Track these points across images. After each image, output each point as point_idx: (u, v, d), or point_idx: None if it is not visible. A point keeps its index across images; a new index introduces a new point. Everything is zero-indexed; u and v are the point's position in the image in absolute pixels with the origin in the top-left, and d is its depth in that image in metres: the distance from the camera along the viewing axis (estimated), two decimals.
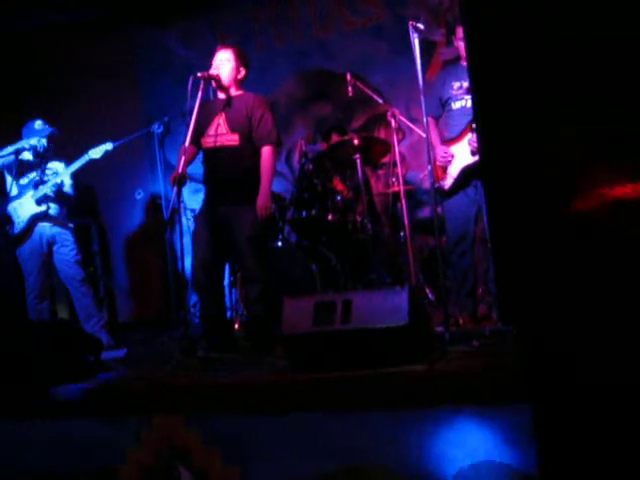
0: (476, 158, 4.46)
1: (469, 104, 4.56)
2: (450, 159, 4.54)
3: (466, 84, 4.59)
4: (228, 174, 4.54)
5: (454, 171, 4.56)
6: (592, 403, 2.20)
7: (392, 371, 3.31)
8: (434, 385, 3.18)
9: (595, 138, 2.18)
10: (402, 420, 3.13)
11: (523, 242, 2.34)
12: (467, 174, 4.53)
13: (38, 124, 5.64)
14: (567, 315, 2.20)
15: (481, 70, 2.37)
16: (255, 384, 3.58)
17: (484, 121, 2.43)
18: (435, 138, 4.73)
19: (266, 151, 4.54)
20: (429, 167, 4.05)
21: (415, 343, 3.47)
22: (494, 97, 2.35)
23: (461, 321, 4.48)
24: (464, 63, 4.62)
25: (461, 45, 4.60)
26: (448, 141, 4.64)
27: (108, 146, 5.50)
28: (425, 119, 4.69)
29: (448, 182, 4.59)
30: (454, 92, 4.64)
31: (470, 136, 4.50)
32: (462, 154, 4.55)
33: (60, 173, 5.54)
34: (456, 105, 4.65)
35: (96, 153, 5.48)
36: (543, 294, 2.24)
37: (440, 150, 4.64)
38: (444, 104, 4.71)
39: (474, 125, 4.44)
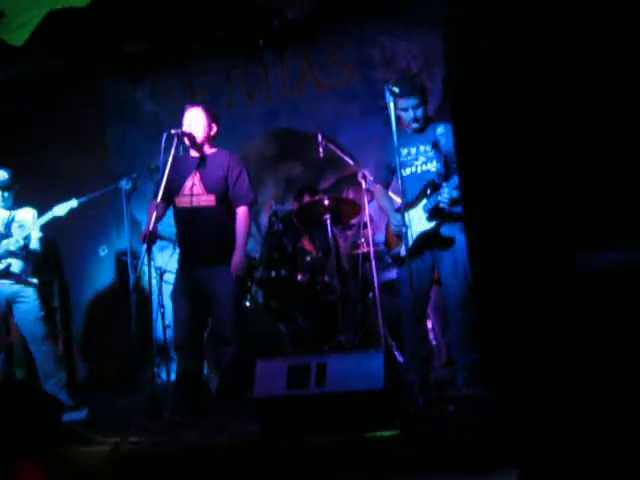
0: (432, 224, 4.47)
1: (419, 169, 4.59)
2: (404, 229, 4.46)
3: (414, 150, 4.62)
4: (205, 235, 4.51)
5: (409, 238, 4.54)
6: (583, 468, 2.15)
7: (367, 436, 3.25)
8: (411, 451, 3.11)
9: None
10: None
11: (511, 308, 2.32)
12: (423, 240, 4.52)
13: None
14: (558, 379, 2.16)
15: (466, 152, 2.38)
16: (224, 448, 3.48)
17: (468, 197, 2.42)
18: (388, 205, 4.73)
19: (242, 211, 4.55)
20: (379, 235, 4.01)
21: (390, 408, 3.42)
22: (479, 174, 2.36)
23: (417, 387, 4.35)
24: (410, 131, 4.64)
25: (402, 115, 4.61)
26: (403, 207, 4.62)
27: (73, 203, 5.39)
28: (379, 187, 4.76)
29: (403, 249, 4.56)
30: (403, 159, 4.65)
31: (425, 202, 4.50)
32: (418, 220, 4.53)
33: (26, 226, 5.39)
34: (406, 172, 4.64)
35: (61, 210, 5.37)
36: (532, 358, 2.20)
37: (393, 219, 4.63)
38: (393, 170, 4.71)
39: (428, 191, 4.46)
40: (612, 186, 2.14)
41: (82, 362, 7.25)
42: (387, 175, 4.78)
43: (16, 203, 5.55)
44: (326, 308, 5.74)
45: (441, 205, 4.39)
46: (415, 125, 4.59)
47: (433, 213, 4.44)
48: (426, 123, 4.60)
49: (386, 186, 4.84)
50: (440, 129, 4.51)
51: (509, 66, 2.28)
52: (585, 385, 2.17)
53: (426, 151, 4.57)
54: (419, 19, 6.54)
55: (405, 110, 4.57)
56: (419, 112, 4.55)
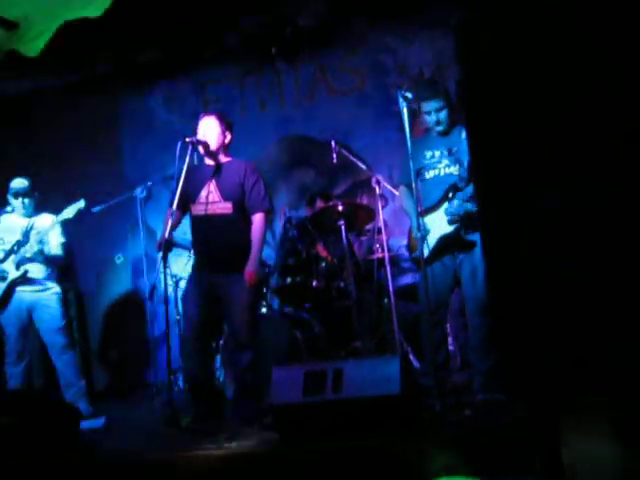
0: (453, 228, 4.46)
1: (442, 172, 4.59)
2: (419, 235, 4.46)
3: (438, 153, 4.63)
4: (221, 243, 4.51)
5: (431, 241, 4.53)
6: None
7: (384, 442, 3.24)
8: (428, 456, 3.10)
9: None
10: None
11: (525, 314, 2.32)
12: (444, 243, 4.51)
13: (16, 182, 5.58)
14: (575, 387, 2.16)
15: (482, 153, 2.39)
16: (242, 455, 3.48)
17: (484, 197, 2.43)
18: (411, 207, 4.72)
19: (258, 218, 4.56)
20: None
21: (407, 413, 3.41)
22: (494, 176, 2.36)
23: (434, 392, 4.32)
24: (435, 134, 4.67)
25: (426, 118, 4.64)
26: (424, 210, 4.61)
27: (80, 204, 5.40)
28: (403, 188, 4.75)
29: (425, 252, 4.55)
30: (427, 161, 4.66)
31: (447, 205, 4.49)
32: (439, 223, 4.53)
33: (43, 232, 5.42)
34: (429, 174, 4.65)
35: (69, 212, 5.40)
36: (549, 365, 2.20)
37: (415, 222, 4.62)
38: (418, 173, 4.71)
39: (450, 194, 4.46)
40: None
41: (99, 370, 7.28)
42: (414, 175, 4.75)
43: (36, 210, 5.60)
44: (342, 314, 5.73)
45: (457, 212, 4.39)
46: (438, 128, 4.60)
47: (455, 218, 4.43)
48: (452, 126, 4.60)
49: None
50: (465, 133, 4.49)
51: (519, 68, 2.28)
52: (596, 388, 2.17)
53: (450, 154, 4.56)
54: (430, 24, 6.54)
55: (428, 113, 4.58)
56: (442, 115, 4.55)
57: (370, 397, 3.36)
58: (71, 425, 4.16)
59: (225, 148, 4.67)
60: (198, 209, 4.57)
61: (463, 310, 4.69)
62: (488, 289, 3.61)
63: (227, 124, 4.69)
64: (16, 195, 5.51)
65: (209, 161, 4.66)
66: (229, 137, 4.67)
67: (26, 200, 5.53)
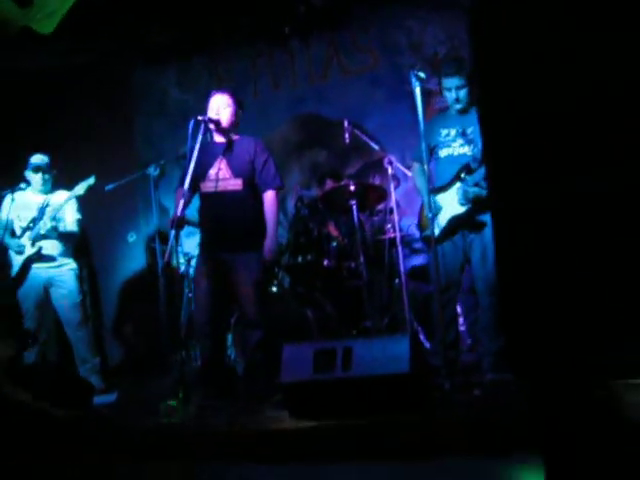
0: (464, 209, 4.46)
1: (456, 152, 4.59)
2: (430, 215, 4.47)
3: (454, 131, 4.62)
4: (231, 220, 4.53)
5: (442, 220, 4.54)
6: (607, 454, 2.16)
7: (393, 420, 3.26)
8: (437, 435, 3.12)
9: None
10: (404, 471, 3.07)
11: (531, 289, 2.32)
12: (455, 223, 4.52)
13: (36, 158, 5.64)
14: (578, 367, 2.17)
15: (493, 137, 2.38)
16: (253, 432, 3.52)
17: (495, 180, 2.43)
18: (424, 185, 4.71)
19: (269, 196, 4.58)
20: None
21: (416, 391, 3.43)
22: (506, 159, 2.36)
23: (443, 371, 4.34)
24: (454, 112, 4.67)
25: (446, 95, 4.64)
26: (436, 189, 4.62)
27: (91, 181, 5.46)
28: (417, 165, 4.75)
29: (436, 231, 4.56)
30: (442, 139, 4.66)
31: (459, 185, 4.49)
32: (450, 203, 4.53)
33: (57, 209, 5.47)
34: (443, 152, 4.64)
35: (80, 189, 5.45)
36: (556, 344, 2.21)
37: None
38: (432, 151, 4.72)
39: (463, 174, 4.46)
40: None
41: (113, 347, 7.35)
42: (427, 155, 4.74)
43: (53, 188, 5.65)
44: (352, 293, 5.75)
45: (469, 192, 4.40)
46: (457, 106, 4.59)
47: (467, 199, 4.43)
48: (470, 106, 4.59)
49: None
50: None
51: (534, 50, 2.27)
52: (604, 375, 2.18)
53: (464, 135, 4.56)
54: (445, 4, 6.50)
55: (448, 90, 4.57)
56: (462, 93, 4.54)
57: (379, 375, 3.39)
58: (84, 399, 4.22)
59: (236, 126, 4.68)
60: (208, 186, 4.59)
61: (474, 290, 4.70)
62: (497, 270, 3.61)
63: (238, 102, 4.70)
64: (37, 170, 5.57)
65: (219, 138, 4.67)
66: (240, 115, 4.68)
67: (46, 176, 5.59)
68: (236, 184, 4.54)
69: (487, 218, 4.37)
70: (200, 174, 4.59)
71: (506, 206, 2.34)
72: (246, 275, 4.43)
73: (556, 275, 2.27)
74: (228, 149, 4.60)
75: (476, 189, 4.38)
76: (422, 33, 6.79)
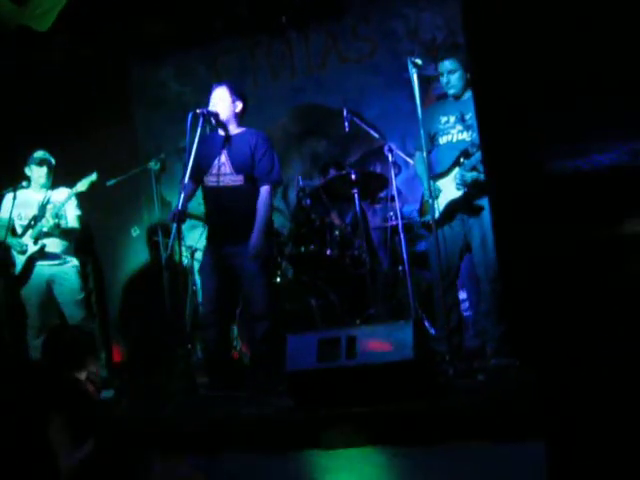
0: (461, 193, 4.47)
1: (455, 138, 4.60)
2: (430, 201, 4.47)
3: (453, 118, 4.62)
4: (233, 214, 4.52)
5: (441, 205, 4.55)
6: (609, 440, 2.17)
7: (398, 407, 3.27)
8: (441, 421, 3.13)
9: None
10: (409, 457, 3.09)
11: (533, 279, 2.33)
12: (452, 208, 4.53)
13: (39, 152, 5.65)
14: (583, 352, 2.18)
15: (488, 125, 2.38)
16: (258, 422, 3.53)
17: (491, 164, 2.43)
18: (424, 173, 4.72)
19: (264, 190, 4.55)
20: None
21: (421, 378, 3.43)
22: (501, 143, 2.36)
23: (447, 357, 4.33)
24: (451, 98, 4.67)
25: (441, 80, 4.64)
26: (436, 175, 4.62)
27: (93, 177, 5.47)
28: (419, 154, 4.75)
29: (436, 215, 4.56)
30: (441, 126, 4.66)
31: (457, 170, 4.50)
32: (448, 188, 4.54)
33: (59, 206, 5.48)
34: (443, 140, 4.66)
35: (82, 185, 5.46)
36: (557, 331, 2.22)
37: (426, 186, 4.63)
38: (432, 138, 4.72)
39: (461, 159, 4.46)
40: None
41: (118, 341, 7.37)
42: (427, 143, 4.73)
43: (53, 184, 5.66)
44: (356, 282, 5.76)
45: (466, 177, 4.41)
46: (450, 91, 4.59)
47: (464, 183, 4.44)
48: (465, 91, 4.58)
49: (427, 153, 4.82)
50: None
51: (527, 34, 2.27)
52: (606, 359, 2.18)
53: (463, 120, 4.55)
54: None
55: (441, 75, 4.57)
56: (453, 78, 4.54)
57: (384, 363, 3.39)
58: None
59: (237, 118, 4.65)
60: (210, 180, 4.59)
61: (475, 275, 4.71)
62: (497, 256, 3.62)
63: (238, 94, 4.67)
64: (42, 163, 5.57)
65: (220, 132, 4.66)
66: (240, 106, 4.65)
67: (49, 170, 5.59)
68: (237, 179, 4.53)
69: (485, 202, 4.38)
70: (202, 168, 4.58)
71: (502, 190, 2.34)
72: (251, 267, 4.43)
73: (556, 259, 2.27)
74: (228, 142, 4.59)
75: (473, 173, 4.39)
76: (418, 19, 6.77)
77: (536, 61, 2.27)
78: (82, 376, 3.58)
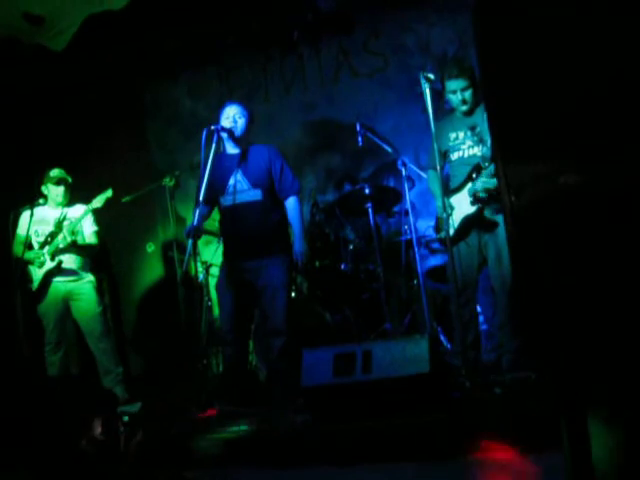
0: (475, 208, 4.47)
1: (466, 154, 4.62)
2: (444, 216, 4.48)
3: (462, 134, 4.63)
4: (252, 229, 4.53)
5: (456, 221, 4.55)
6: (629, 452, 2.15)
7: (414, 421, 3.27)
8: (459, 434, 3.13)
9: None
10: (427, 471, 3.09)
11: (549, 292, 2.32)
12: (467, 224, 4.53)
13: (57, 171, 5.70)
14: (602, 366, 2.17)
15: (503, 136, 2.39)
16: (275, 437, 3.54)
17: (504, 176, 2.43)
18: (438, 190, 4.73)
19: (291, 201, 4.62)
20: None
21: (437, 392, 3.43)
22: (514, 154, 2.36)
23: (463, 371, 4.33)
24: (459, 114, 4.69)
25: (451, 98, 4.66)
26: (449, 192, 4.64)
27: (109, 193, 5.52)
28: (431, 172, 4.76)
29: (451, 232, 4.57)
30: (451, 144, 4.67)
31: (470, 186, 4.50)
32: (462, 204, 4.55)
33: (75, 222, 5.53)
34: (454, 156, 4.67)
35: (98, 202, 5.51)
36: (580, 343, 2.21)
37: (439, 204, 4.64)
38: (444, 155, 4.74)
39: (474, 175, 4.47)
40: None
41: (135, 356, 7.39)
42: (440, 160, 4.74)
43: (69, 201, 5.72)
44: (371, 296, 5.77)
45: (479, 192, 4.41)
46: (463, 108, 4.60)
47: (474, 199, 4.44)
48: (476, 106, 4.60)
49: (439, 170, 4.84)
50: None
51: (538, 48, 2.28)
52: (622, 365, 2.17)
53: (473, 134, 4.56)
54: (451, 4, 6.50)
55: (453, 92, 4.58)
56: (467, 94, 4.55)
57: (400, 377, 3.40)
58: (108, 410, 4.25)
59: (248, 136, 4.70)
60: (227, 200, 4.60)
61: (492, 289, 4.71)
62: (513, 269, 3.61)
63: (251, 114, 4.74)
64: (59, 182, 5.62)
65: (232, 149, 4.69)
66: (250, 128, 4.72)
67: (65, 188, 5.65)
68: (255, 195, 4.56)
69: (499, 218, 4.38)
70: (217, 188, 4.61)
71: (516, 204, 2.34)
72: (272, 281, 4.46)
73: (571, 272, 2.27)
74: (243, 159, 4.62)
75: (486, 185, 4.38)
76: (430, 33, 6.78)
77: (547, 72, 2.28)
78: None
